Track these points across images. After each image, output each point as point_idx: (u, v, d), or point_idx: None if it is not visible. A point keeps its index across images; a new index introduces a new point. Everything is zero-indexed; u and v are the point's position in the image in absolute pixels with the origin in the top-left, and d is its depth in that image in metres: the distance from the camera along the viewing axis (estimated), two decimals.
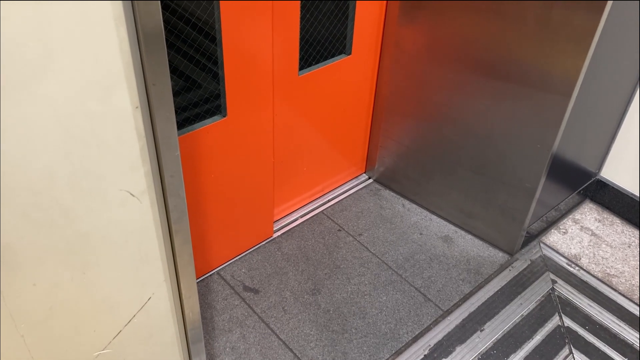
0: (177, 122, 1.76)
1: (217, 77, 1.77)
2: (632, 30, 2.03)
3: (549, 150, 1.98)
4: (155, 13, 0.71)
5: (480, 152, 2.17)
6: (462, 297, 2.12)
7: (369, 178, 2.63)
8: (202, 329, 1.13)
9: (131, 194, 0.85)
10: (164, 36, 0.74)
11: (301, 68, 2.06)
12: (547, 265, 2.27)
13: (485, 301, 2.11)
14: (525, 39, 1.85)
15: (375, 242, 2.31)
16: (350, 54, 2.16)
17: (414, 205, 2.49)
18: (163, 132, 0.82)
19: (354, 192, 2.55)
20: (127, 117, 0.78)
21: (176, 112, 1.75)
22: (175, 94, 1.76)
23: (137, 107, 0.78)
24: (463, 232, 2.38)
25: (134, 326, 1.00)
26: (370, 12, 2.12)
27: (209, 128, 1.80)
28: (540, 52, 1.84)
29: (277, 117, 2.05)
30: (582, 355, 1.95)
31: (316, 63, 2.10)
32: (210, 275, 2.15)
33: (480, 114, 2.09)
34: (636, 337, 2.01)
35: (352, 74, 2.23)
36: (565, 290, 2.17)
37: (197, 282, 2.11)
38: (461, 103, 2.12)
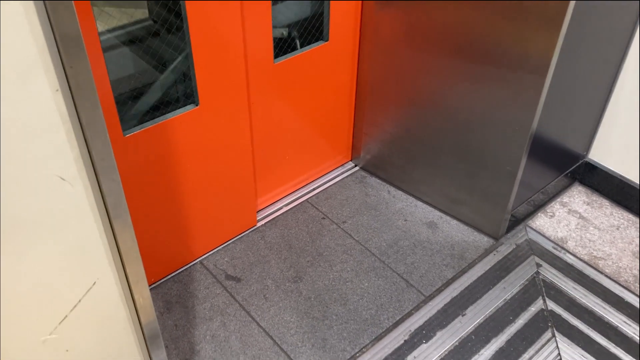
0: (147, 112, 1.77)
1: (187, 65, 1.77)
2: (610, 6, 1.99)
3: (527, 132, 1.96)
4: None
5: (462, 137, 2.15)
6: (444, 282, 2.11)
7: (355, 166, 2.62)
8: (154, 313, 1.14)
9: (62, 179, 0.86)
10: (76, 18, 0.74)
11: (277, 55, 2.05)
12: (532, 249, 2.24)
13: (468, 286, 2.10)
14: (498, 18, 1.83)
15: (359, 229, 2.31)
16: (327, 40, 2.15)
17: (400, 192, 2.48)
18: (87, 115, 0.83)
19: (340, 180, 2.54)
20: (47, 101, 0.79)
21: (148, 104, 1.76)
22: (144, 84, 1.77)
23: (57, 90, 0.79)
24: (448, 218, 2.37)
25: (81, 311, 1.01)
26: None
27: (181, 117, 1.81)
28: (513, 32, 1.82)
29: (254, 106, 2.05)
30: (565, 339, 1.93)
31: (292, 50, 2.09)
32: (193, 264, 2.16)
33: (459, 99, 2.07)
34: (620, 319, 1.99)
35: (331, 60, 2.22)
36: (550, 273, 2.15)
37: (180, 272, 2.13)
38: (441, 88, 2.11)
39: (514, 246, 2.26)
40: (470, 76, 2.00)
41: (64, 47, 0.75)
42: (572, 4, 1.69)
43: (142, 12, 1.82)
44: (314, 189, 2.49)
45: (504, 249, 2.24)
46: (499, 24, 1.84)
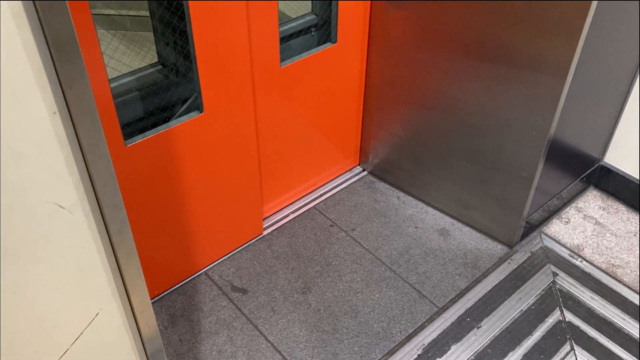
0: (151, 120, 1.69)
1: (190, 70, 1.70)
2: (631, 7, 1.91)
3: (545, 136, 1.89)
4: (61, 9, 0.63)
5: (475, 141, 2.07)
6: (458, 292, 2.04)
7: (363, 170, 2.54)
8: (161, 342, 1.07)
9: (60, 206, 0.79)
10: (76, 36, 0.66)
11: (283, 59, 1.97)
12: (548, 257, 2.17)
13: (483, 296, 2.03)
14: (516, 18, 1.75)
15: (369, 237, 2.23)
16: (335, 42, 2.07)
17: (410, 198, 2.41)
18: (88, 138, 0.75)
19: (348, 186, 2.47)
20: (45, 124, 0.71)
21: (150, 109, 1.68)
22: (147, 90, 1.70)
23: (55, 113, 0.72)
24: (460, 224, 2.29)
25: (84, 343, 0.94)
26: None
27: (185, 125, 1.73)
28: (532, 33, 1.74)
29: (260, 111, 1.97)
30: (584, 352, 1.86)
31: (299, 53, 2.01)
32: (198, 275, 2.09)
33: (473, 101, 2.00)
34: None
35: (339, 63, 2.14)
36: (566, 283, 2.08)
37: (185, 284, 2.06)
38: (453, 90, 2.03)
39: (529, 254, 2.18)
40: (484, 78, 1.92)
41: (62, 66, 0.68)
42: (594, 4, 1.61)
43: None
44: (321, 195, 2.41)
45: (519, 257, 2.17)
46: (516, 24, 1.76)
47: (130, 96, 1.65)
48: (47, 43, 0.65)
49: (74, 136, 0.75)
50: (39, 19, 0.64)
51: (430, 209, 2.36)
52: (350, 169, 2.54)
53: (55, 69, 0.68)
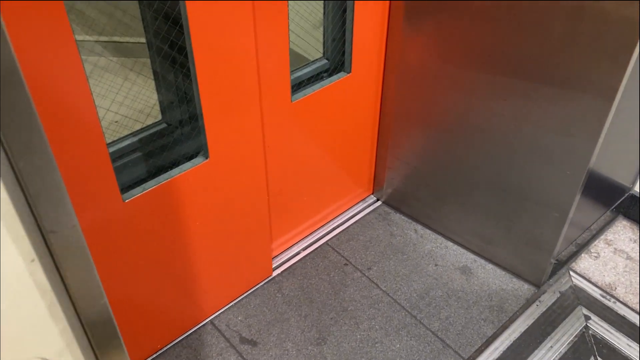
0: (150, 170, 1.53)
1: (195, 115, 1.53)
2: None
3: (584, 168, 1.72)
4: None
5: (501, 171, 1.92)
6: (484, 340, 1.90)
7: (377, 200, 2.39)
8: None
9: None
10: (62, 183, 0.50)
11: (295, 92, 1.81)
12: (578, 298, 2.03)
13: (511, 345, 1.89)
14: (560, 36, 1.58)
15: (386, 277, 2.08)
16: (350, 72, 1.91)
17: (428, 231, 2.25)
18: (76, 282, 0.60)
19: (361, 218, 2.31)
20: (20, 274, 0.56)
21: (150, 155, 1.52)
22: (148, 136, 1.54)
23: (33, 261, 0.57)
24: (483, 261, 2.14)
25: None
26: (370, 24, 1.86)
27: (189, 174, 1.57)
28: (577, 51, 1.56)
29: (269, 148, 1.81)
30: None
31: (311, 84, 1.85)
32: (204, 325, 1.94)
33: (501, 127, 1.83)
34: None
35: (354, 93, 1.98)
36: (600, 327, 1.93)
37: (189, 335, 1.91)
38: (478, 117, 1.87)
39: (558, 294, 2.04)
40: (516, 100, 1.75)
41: (41, 206, 0.52)
42: None
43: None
44: (333, 229, 2.26)
45: (547, 299, 2.02)
46: (560, 42, 1.58)
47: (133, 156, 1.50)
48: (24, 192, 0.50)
49: (58, 280, 0.60)
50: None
51: (450, 244, 2.21)
52: (363, 199, 2.39)
53: (32, 211, 0.53)
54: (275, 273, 2.09)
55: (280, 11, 1.56)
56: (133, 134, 1.50)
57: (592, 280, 2.09)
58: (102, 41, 2.79)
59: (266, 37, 1.56)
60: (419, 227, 2.27)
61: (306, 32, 2.08)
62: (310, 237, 2.22)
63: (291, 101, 1.78)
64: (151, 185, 1.50)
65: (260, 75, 1.61)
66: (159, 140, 1.52)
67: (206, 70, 1.43)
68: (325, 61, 1.93)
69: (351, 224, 2.28)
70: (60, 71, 1.13)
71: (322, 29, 1.85)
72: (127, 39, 2.78)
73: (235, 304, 2.00)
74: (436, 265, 2.13)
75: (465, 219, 2.12)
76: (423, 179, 2.17)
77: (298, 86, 1.85)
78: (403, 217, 2.31)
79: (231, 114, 1.57)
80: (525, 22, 1.61)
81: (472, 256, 2.16)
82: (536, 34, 1.61)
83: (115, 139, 1.51)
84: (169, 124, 1.58)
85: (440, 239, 2.23)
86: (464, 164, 2.01)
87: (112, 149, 1.46)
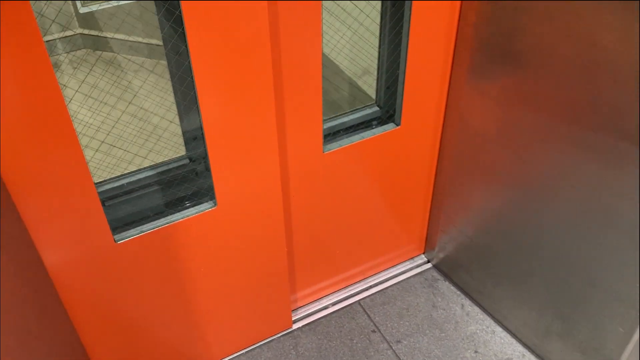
0: (149, 214, 1.45)
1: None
2: None
3: None
4: None
5: (564, 260, 1.61)
6: None
7: (428, 262, 2.15)
8: None
9: None
10: None
11: (329, 141, 1.65)
12: None
13: None
14: None
15: (415, 356, 1.85)
16: (399, 124, 1.70)
17: (476, 309, 1.98)
18: None
19: (404, 280, 2.09)
20: None
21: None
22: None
23: None
24: (533, 358, 1.84)
25: None
26: (428, 75, 1.65)
27: (194, 219, 1.47)
28: None
29: (294, 198, 1.67)
30: None
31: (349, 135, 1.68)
32: None
33: (568, 209, 1.53)
34: None
35: (403, 147, 1.77)
36: None
37: None
38: (542, 193, 1.58)
39: None
40: (591, 171, 1.44)
41: None
42: None
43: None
44: (370, 287, 2.06)
45: None
46: None
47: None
48: None
49: None
50: None
51: (498, 329, 1.92)
52: (412, 258, 2.16)
53: None
54: (296, 326, 1.94)
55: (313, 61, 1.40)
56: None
57: None
58: None
59: (293, 100, 1.41)
60: (467, 302, 2.01)
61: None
62: (343, 291, 2.05)
63: (323, 152, 1.61)
64: (149, 229, 1.42)
65: (286, 124, 1.47)
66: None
67: (212, 111, 1.31)
68: (377, 108, 1.75)
69: (391, 285, 2.07)
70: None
71: (369, 76, 1.67)
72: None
73: (246, 352, 1.87)
74: (476, 352, 1.87)
75: (518, 307, 1.84)
76: (477, 252, 1.90)
77: (347, 130, 1.68)
78: (451, 287, 2.06)
79: (243, 161, 1.44)
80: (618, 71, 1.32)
81: (522, 349, 1.87)
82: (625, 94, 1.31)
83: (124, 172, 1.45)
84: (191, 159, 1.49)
85: (488, 320, 1.95)
86: (522, 247, 1.72)
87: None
